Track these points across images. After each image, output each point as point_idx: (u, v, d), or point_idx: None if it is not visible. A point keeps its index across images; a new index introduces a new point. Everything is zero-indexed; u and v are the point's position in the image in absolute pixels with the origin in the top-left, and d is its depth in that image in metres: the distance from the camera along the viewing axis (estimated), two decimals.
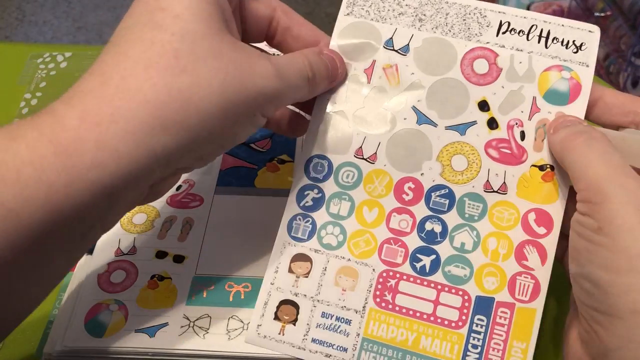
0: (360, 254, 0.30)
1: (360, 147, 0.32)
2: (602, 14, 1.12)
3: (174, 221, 0.36)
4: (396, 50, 0.32)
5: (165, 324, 0.31)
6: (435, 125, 0.31)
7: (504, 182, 0.31)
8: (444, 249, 0.30)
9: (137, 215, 0.36)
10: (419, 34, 0.32)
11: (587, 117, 0.31)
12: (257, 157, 0.40)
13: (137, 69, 0.24)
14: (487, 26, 0.32)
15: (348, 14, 0.33)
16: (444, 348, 0.29)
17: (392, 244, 0.30)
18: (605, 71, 1.12)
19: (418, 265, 0.30)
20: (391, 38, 0.32)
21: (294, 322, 0.30)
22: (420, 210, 0.31)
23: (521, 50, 0.32)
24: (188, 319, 0.31)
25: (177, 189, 0.37)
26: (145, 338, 0.30)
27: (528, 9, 1.26)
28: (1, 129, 0.23)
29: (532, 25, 0.32)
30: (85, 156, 0.23)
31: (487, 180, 0.31)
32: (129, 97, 0.24)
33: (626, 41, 1.06)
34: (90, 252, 0.34)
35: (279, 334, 0.30)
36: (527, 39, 0.32)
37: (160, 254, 0.34)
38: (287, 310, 0.30)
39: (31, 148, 0.22)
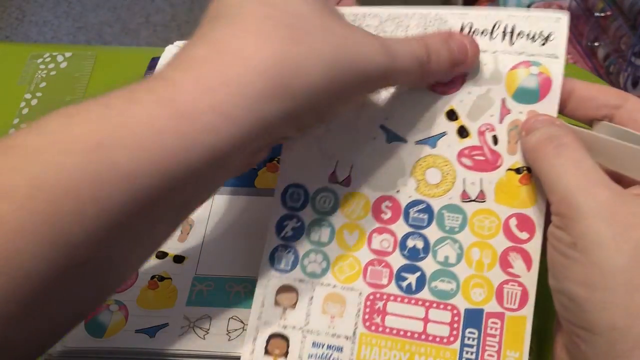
0: (345, 279, 0.30)
1: (334, 171, 0.31)
2: (603, 14, 1.12)
3: None
4: None
5: (166, 324, 0.31)
6: (405, 141, 0.31)
7: (481, 190, 0.30)
8: (428, 265, 0.30)
9: None
10: None
11: (561, 112, 0.30)
12: None
13: (251, 39, 0.24)
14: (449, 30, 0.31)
15: None
16: None
17: (375, 265, 0.30)
18: (605, 71, 1.12)
19: (404, 284, 0.29)
20: None
21: (285, 355, 0.29)
22: (400, 228, 0.30)
23: (485, 51, 0.30)
24: (188, 319, 0.31)
25: None
26: (145, 338, 0.30)
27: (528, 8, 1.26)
28: (119, 92, 0.23)
29: (496, 23, 0.31)
30: (200, 120, 0.23)
31: (464, 190, 0.30)
32: (244, 64, 0.24)
33: (626, 41, 1.06)
34: None
35: None
36: (491, 38, 0.31)
37: (160, 254, 0.34)
38: (277, 343, 0.29)
39: (148, 110, 0.22)
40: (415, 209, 0.30)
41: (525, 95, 0.30)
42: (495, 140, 0.30)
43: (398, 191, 0.31)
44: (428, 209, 0.30)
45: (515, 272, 0.29)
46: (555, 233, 0.26)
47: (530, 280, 0.29)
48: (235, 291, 0.33)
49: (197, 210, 0.35)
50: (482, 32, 0.31)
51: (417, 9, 0.32)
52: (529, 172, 0.29)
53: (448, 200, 0.30)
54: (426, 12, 0.31)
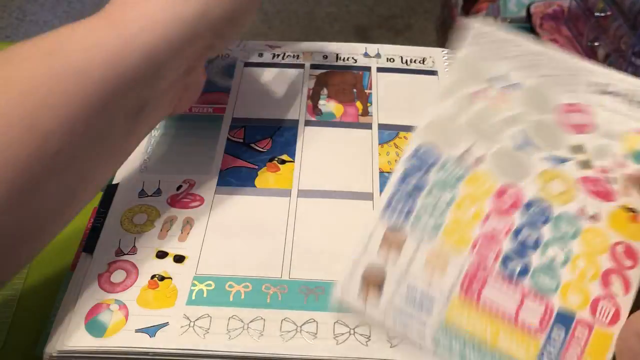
0: (454, 242, 0.30)
1: (469, 148, 0.33)
2: (602, 14, 1.12)
3: (174, 221, 0.36)
4: (506, 86, 0.35)
5: (166, 324, 0.31)
6: (531, 154, 0.33)
7: (597, 212, 0.32)
8: (535, 258, 0.30)
9: (138, 215, 0.36)
10: (529, 77, 0.35)
11: None
12: (258, 157, 0.40)
13: None
14: (595, 85, 0.34)
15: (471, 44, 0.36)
16: (520, 351, 0.29)
17: (486, 242, 0.31)
18: None
19: (509, 266, 0.30)
20: (507, 75, 0.35)
21: (381, 288, 0.30)
22: (518, 217, 0.31)
23: (615, 116, 0.33)
24: (188, 318, 0.31)
25: (177, 188, 0.37)
26: (145, 338, 0.30)
27: (528, 9, 1.26)
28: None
29: (631, 88, 0.34)
30: (133, 24, 0.29)
31: (581, 207, 0.32)
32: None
33: (626, 41, 1.06)
34: (91, 251, 0.34)
35: (365, 296, 0.29)
36: (629, 105, 0.33)
37: (161, 254, 0.34)
38: (375, 276, 0.30)
39: (91, 23, 0.29)
40: (535, 206, 0.32)
41: None
42: (610, 182, 0.32)
43: (524, 185, 0.32)
44: (547, 210, 0.31)
45: (613, 292, 0.30)
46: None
47: (626, 302, 0.30)
48: (236, 291, 0.32)
49: (197, 210, 0.36)
50: (623, 97, 0.34)
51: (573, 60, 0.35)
52: (636, 214, 0.31)
53: (567, 209, 0.31)
54: (580, 65, 0.35)
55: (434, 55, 0.47)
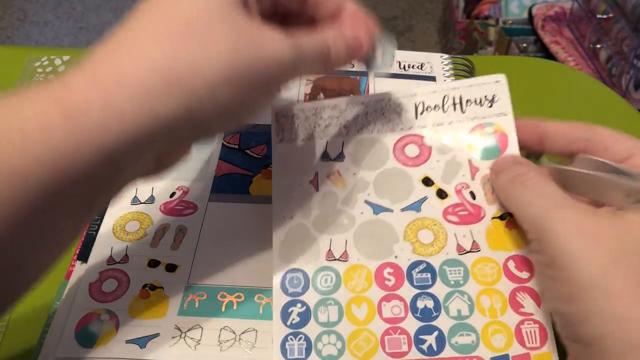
0: (364, 355, 0.29)
1: (329, 249, 0.32)
2: (605, 16, 1.11)
3: (167, 229, 0.35)
4: (332, 160, 0.34)
5: (157, 335, 0.31)
6: (391, 210, 0.33)
7: (474, 241, 0.31)
8: (443, 322, 0.30)
9: (130, 223, 0.35)
10: (348, 139, 0.34)
11: (544, 151, 0.33)
12: (252, 164, 0.39)
13: (146, 34, 0.24)
14: (405, 113, 0.34)
15: (280, 141, 0.35)
16: None
17: (392, 334, 0.30)
18: (607, 73, 1.12)
19: (424, 346, 0.29)
20: (325, 151, 0.34)
21: None
22: (407, 291, 0.31)
23: (442, 124, 0.34)
24: (179, 329, 0.31)
25: (171, 195, 0.37)
26: (135, 349, 0.30)
27: (530, 10, 1.26)
28: (10, 93, 0.23)
29: (444, 97, 0.34)
30: (91, 117, 0.23)
31: (458, 244, 0.32)
32: (137, 60, 0.24)
33: (629, 43, 1.05)
34: (85, 259, 0.34)
35: None
36: (444, 111, 0.34)
37: (153, 263, 0.34)
38: None
39: (38, 109, 0.22)
40: (417, 270, 0.31)
41: (488, 153, 0.33)
42: (473, 195, 0.33)
43: (396, 256, 0.31)
44: (429, 268, 0.31)
45: (527, 311, 0.30)
46: (534, 257, 0.29)
47: (544, 316, 0.29)
48: (228, 301, 0.32)
49: (190, 218, 0.36)
50: (435, 107, 0.34)
51: (373, 96, 0.35)
52: (511, 217, 0.31)
53: (445, 256, 0.31)
54: (380, 97, 0.35)
55: (432, 61, 0.47)
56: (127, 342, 0.30)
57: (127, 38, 0.25)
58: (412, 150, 0.34)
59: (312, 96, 0.44)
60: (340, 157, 0.34)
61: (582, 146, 0.31)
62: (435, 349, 0.29)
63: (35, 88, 0.23)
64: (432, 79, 0.46)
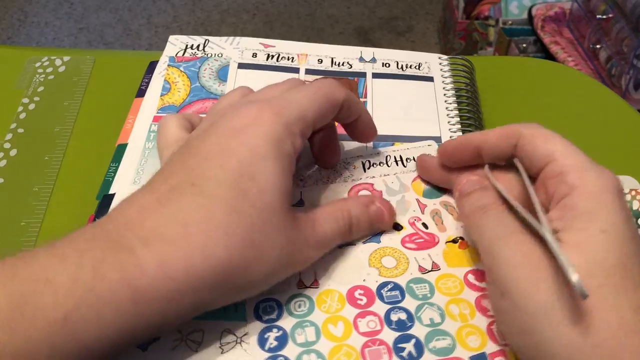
0: None
1: (299, 279, 0.33)
2: (604, 17, 1.11)
3: None
4: (293, 206, 0.36)
5: (157, 338, 0.31)
6: (353, 244, 0.35)
7: (433, 262, 0.34)
8: (418, 330, 0.31)
9: None
10: (305, 190, 0.37)
11: (485, 162, 0.34)
12: None
13: (219, 234, 0.27)
14: (354, 169, 0.39)
15: None
16: None
17: (371, 345, 0.30)
18: (607, 74, 1.12)
19: (404, 354, 0.30)
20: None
21: None
22: (380, 307, 0.32)
23: (388, 175, 0.38)
24: (180, 332, 0.31)
25: None
26: (137, 352, 0.30)
27: (530, 10, 1.26)
28: (84, 257, 0.25)
29: (387, 156, 0.39)
30: (155, 305, 0.26)
31: (419, 265, 0.34)
32: (205, 258, 0.26)
33: (628, 44, 1.05)
34: None
35: None
36: (388, 166, 0.39)
37: None
38: None
39: (113, 292, 0.25)
40: (386, 289, 0.33)
41: (431, 194, 0.37)
42: (425, 226, 0.36)
43: (364, 280, 0.33)
44: (397, 287, 0.33)
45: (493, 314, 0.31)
46: (490, 288, 0.29)
47: None
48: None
49: None
50: (380, 164, 0.39)
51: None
52: (463, 240, 0.35)
53: (410, 275, 0.33)
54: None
55: (430, 61, 0.47)
56: None
57: (198, 227, 0.27)
58: (364, 195, 0.37)
59: None
60: (300, 203, 0.37)
61: (512, 154, 0.32)
62: (415, 355, 0.30)
63: (106, 262, 0.25)
64: (430, 79, 0.46)
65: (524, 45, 1.25)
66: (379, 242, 0.35)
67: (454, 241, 0.35)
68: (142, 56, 0.50)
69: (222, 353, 0.30)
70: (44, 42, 1.69)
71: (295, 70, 0.46)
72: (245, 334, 0.31)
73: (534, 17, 1.24)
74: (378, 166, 0.39)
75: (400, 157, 0.39)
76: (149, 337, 0.28)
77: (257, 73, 0.46)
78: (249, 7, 1.80)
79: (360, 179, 0.38)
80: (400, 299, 0.32)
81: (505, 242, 0.27)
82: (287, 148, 0.30)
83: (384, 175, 0.38)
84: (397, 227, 0.35)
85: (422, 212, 0.36)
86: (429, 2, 1.80)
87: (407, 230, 0.35)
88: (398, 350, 0.30)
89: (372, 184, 0.38)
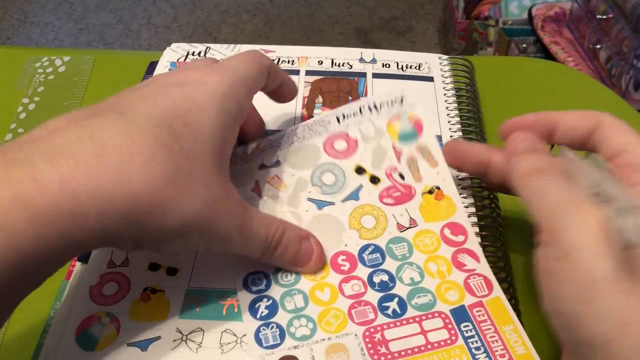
0: (335, 328, 0.31)
1: None
2: (604, 17, 1.11)
3: None
4: (270, 167, 0.37)
5: (158, 338, 0.31)
6: (333, 203, 0.36)
7: (411, 217, 0.35)
8: (401, 290, 0.33)
9: None
10: (282, 152, 0.38)
11: (554, 142, 0.33)
12: None
13: (138, 160, 0.25)
14: (329, 123, 0.39)
15: None
16: None
17: (357, 307, 0.32)
18: (607, 74, 1.12)
19: (389, 311, 0.32)
20: (262, 163, 0.38)
21: None
22: (362, 271, 0.33)
23: (362, 122, 0.39)
24: (181, 332, 0.31)
25: None
26: (137, 352, 0.30)
27: (530, 11, 1.26)
28: None
29: (360, 107, 0.39)
30: (56, 225, 0.23)
31: (397, 223, 0.35)
32: (119, 182, 0.25)
33: (628, 44, 1.05)
34: (86, 261, 0.34)
35: None
36: (362, 115, 0.39)
37: (153, 266, 0.34)
38: None
39: (4, 211, 0.22)
40: (367, 252, 0.34)
41: (407, 138, 0.38)
42: (402, 176, 0.37)
43: (346, 244, 0.34)
44: (377, 249, 0.34)
45: (470, 267, 0.33)
46: (543, 251, 0.27)
47: (485, 269, 0.33)
48: (229, 304, 0.32)
49: None
50: (353, 114, 0.39)
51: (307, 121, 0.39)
52: (439, 189, 0.36)
53: (389, 235, 0.35)
54: (308, 122, 0.39)
55: (430, 61, 0.47)
56: (129, 345, 0.30)
57: (113, 150, 0.25)
58: (340, 145, 0.38)
59: (310, 100, 0.44)
60: (276, 163, 0.37)
61: (589, 137, 0.31)
62: (399, 312, 0.32)
63: (1, 176, 0.23)
64: (430, 79, 0.45)
65: (524, 45, 1.25)
66: (357, 199, 0.36)
67: (430, 192, 0.36)
68: (142, 56, 0.50)
69: (222, 353, 0.30)
70: (44, 42, 1.69)
71: (296, 72, 0.46)
72: (244, 335, 0.31)
73: (534, 17, 1.24)
74: (352, 117, 0.39)
75: (374, 104, 0.39)
76: (54, 267, 0.25)
77: None
78: (249, 7, 1.80)
79: (334, 131, 0.39)
80: (381, 261, 0.34)
81: (574, 208, 0.26)
82: (231, 107, 0.30)
83: (359, 123, 0.39)
84: (374, 179, 0.37)
85: (399, 161, 0.37)
86: (429, 2, 1.80)
87: (385, 182, 0.37)
88: (383, 308, 0.32)
89: (347, 133, 0.38)
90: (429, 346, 0.30)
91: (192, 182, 0.27)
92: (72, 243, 0.24)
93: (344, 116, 0.39)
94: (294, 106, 0.43)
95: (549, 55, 1.19)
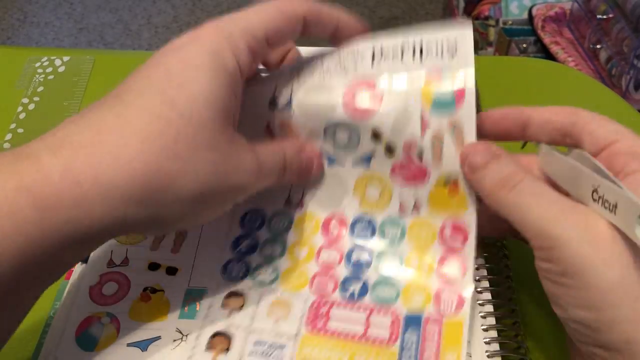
0: (292, 287, 0.32)
1: (289, 196, 0.34)
2: (605, 17, 1.11)
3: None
4: (281, 109, 0.32)
5: (158, 338, 0.31)
6: (342, 165, 0.33)
7: (416, 202, 0.32)
8: (371, 275, 0.32)
9: None
10: (298, 85, 0.32)
11: (526, 139, 0.31)
12: None
13: (134, 141, 0.25)
14: (361, 59, 0.32)
15: None
16: None
17: (322, 276, 0.32)
18: (607, 74, 1.12)
19: (347, 292, 0.31)
20: (274, 97, 0.32)
21: (227, 350, 0.30)
22: (347, 243, 0.33)
23: (397, 72, 0.31)
24: (181, 332, 0.31)
25: None
26: (137, 352, 0.30)
27: (530, 11, 1.26)
28: None
29: (402, 47, 0.31)
30: (62, 212, 0.24)
31: (400, 203, 0.32)
32: (118, 166, 0.24)
33: (629, 44, 1.05)
34: (85, 261, 0.34)
35: None
36: (402, 61, 0.31)
37: (153, 266, 0.34)
38: (220, 340, 0.30)
39: (10, 200, 0.23)
40: (360, 224, 0.33)
41: (442, 106, 0.30)
42: (420, 155, 0.31)
43: (344, 209, 0.33)
44: (370, 224, 0.33)
45: (451, 278, 0.31)
46: (543, 266, 0.27)
47: (465, 285, 0.30)
48: None
49: None
50: (392, 57, 0.31)
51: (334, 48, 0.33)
52: (454, 183, 0.31)
53: (387, 213, 0.33)
54: (343, 50, 0.32)
55: None
56: (129, 345, 0.30)
57: (113, 135, 0.25)
58: (363, 100, 0.31)
59: None
60: (288, 107, 0.32)
61: (567, 131, 0.30)
62: (356, 296, 0.31)
63: (6, 170, 0.24)
64: None
65: (524, 45, 1.25)
66: (368, 165, 0.32)
67: (446, 183, 0.31)
68: (142, 56, 0.50)
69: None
70: (44, 42, 1.69)
71: None
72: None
73: (534, 17, 1.24)
74: (389, 59, 0.31)
75: (422, 48, 0.31)
76: (68, 257, 0.26)
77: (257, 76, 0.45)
78: (248, 7, 1.80)
79: (364, 75, 0.31)
80: (369, 237, 0.33)
81: (562, 220, 0.25)
82: (228, 62, 0.27)
83: (394, 71, 0.31)
84: (390, 149, 0.32)
85: (422, 134, 0.31)
86: (429, 2, 1.80)
87: (400, 157, 0.31)
88: (344, 288, 0.32)
89: (375, 82, 0.31)
90: (363, 339, 0.30)
91: (198, 148, 0.26)
92: (81, 230, 0.24)
93: (381, 54, 0.31)
94: None
95: (549, 55, 1.19)
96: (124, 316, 0.31)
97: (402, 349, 0.29)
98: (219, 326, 0.30)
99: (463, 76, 0.30)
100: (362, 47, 0.32)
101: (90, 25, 1.74)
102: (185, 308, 0.32)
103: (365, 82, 0.31)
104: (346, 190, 0.33)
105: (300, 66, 0.33)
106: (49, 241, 0.24)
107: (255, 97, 0.32)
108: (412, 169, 0.32)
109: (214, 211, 0.28)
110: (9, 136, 0.44)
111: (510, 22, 1.30)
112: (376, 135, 0.31)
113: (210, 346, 0.30)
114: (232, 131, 0.28)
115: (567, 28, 1.24)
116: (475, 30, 1.38)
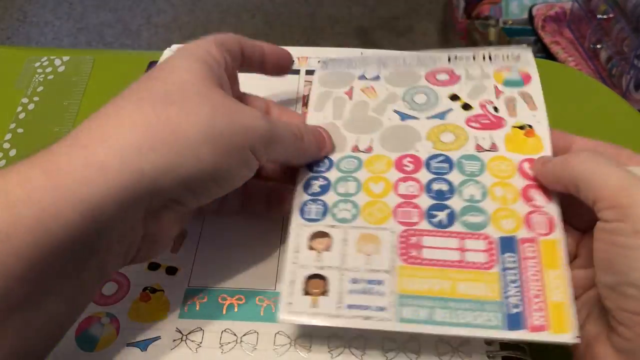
0: (376, 220, 0.31)
1: (356, 144, 0.34)
2: (605, 16, 1.11)
3: None
4: (368, 79, 0.38)
5: (158, 338, 0.31)
6: (417, 118, 0.35)
7: (493, 142, 0.33)
8: (455, 203, 0.31)
9: None
10: (385, 71, 0.38)
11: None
12: None
13: (130, 105, 0.26)
14: (439, 59, 0.38)
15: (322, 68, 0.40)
16: (482, 289, 0.29)
17: (405, 207, 0.31)
18: (607, 74, 1.11)
19: (435, 220, 0.31)
20: (363, 74, 0.38)
21: (325, 293, 0.29)
22: (424, 175, 0.32)
23: (472, 67, 0.37)
24: (180, 332, 0.31)
25: None
26: (137, 352, 0.30)
27: (530, 11, 1.26)
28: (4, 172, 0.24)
29: (475, 53, 0.38)
30: (73, 174, 0.23)
31: (477, 144, 0.33)
32: (119, 122, 0.25)
33: (629, 44, 1.05)
34: None
35: (312, 307, 0.29)
36: (474, 60, 0.37)
37: (153, 266, 0.34)
38: (316, 284, 0.29)
39: (21, 173, 0.23)
40: (436, 160, 0.33)
41: (512, 83, 0.36)
42: (495, 109, 0.35)
43: (417, 150, 0.34)
44: (448, 160, 0.33)
45: (538, 204, 0.31)
46: (610, 227, 0.27)
47: (554, 209, 0.31)
48: (229, 303, 0.32)
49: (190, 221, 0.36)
50: (466, 58, 0.38)
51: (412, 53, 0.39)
52: (531, 128, 0.33)
53: (464, 151, 0.33)
54: (423, 52, 0.38)
55: None
56: (128, 345, 0.30)
57: (112, 106, 0.26)
58: (442, 77, 0.37)
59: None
60: (376, 78, 0.38)
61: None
62: (446, 223, 0.31)
63: (21, 161, 0.24)
64: None
65: (525, 45, 1.25)
66: (443, 118, 0.35)
67: (522, 127, 0.33)
68: (142, 56, 0.50)
69: (222, 353, 0.30)
70: (44, 42, 1.69)
71: (296, 72, 0.46)
72: (244, 334, 0.31)
73: (534, 17, 1.24)
74: (464, 60, 0.37)
75: (490, 55, 0.37)
76: (88, 247, 0.25)
77: (257, 77, 0.46)
78: (249, 7, 1.80)
79: (442, 65, 0.38)
80: (447, 171, 0.32)
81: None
82: (202, 52, 0.30)
83: (468, 65, 0.37)
84: (467, 107, 0.35)
85: (497, 97, 0.35)
86: (429, 2, 1.80)
87: (476, 110, 0.35)
88: (430, 216, 0.31)
89: (453, 69, 0.37)
90: (463, 263, 0.29)
91: (187, 96, 0.27)
92: (99, 192, 0.24)
93: (455, 57, 0.38)
94: (294, 106, 0.43)
95: (549, 55, 1.19)
96: (123, 316, 0.31)
97: (504, 269, 0.29)
98: (311, 269, 0.30)
99: (527, 69, 0.36)
100: (438, 54, 0.38)
101: (89, 25, 1.74)
102: (185, 308, 0.32)
103: (444, 69, 0.37)
104: (419, 137, 0.34)
105: (385, 60, 0.38)
106: (63, 209, 0.23)
107: (344, 74, 0.38)
108: (488, 117, 0.34)
109: (236, 162, 0.28)
110: (8, 136, 0.44)
111: (510, 22, 1.30)
112: (454, 98, 0.36)
113: (306, 290, 0.29)
114: (225, 92, 0.29)
115: (567, 28, 1.24)
116: (475, 30, 1.39)
